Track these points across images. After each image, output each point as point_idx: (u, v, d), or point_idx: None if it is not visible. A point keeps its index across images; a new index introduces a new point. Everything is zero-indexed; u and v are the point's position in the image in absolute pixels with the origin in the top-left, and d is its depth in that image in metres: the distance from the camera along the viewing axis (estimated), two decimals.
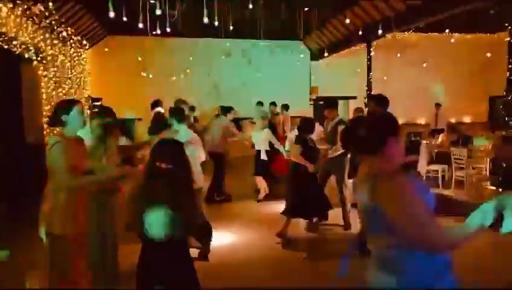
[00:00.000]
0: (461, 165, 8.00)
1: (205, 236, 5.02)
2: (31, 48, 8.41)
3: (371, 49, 11.35)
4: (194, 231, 3.49)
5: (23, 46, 8.05)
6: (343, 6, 11.04)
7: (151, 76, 14.20)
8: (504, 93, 6.90)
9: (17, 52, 7.76)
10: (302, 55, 15.12)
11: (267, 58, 14.79)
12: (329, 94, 15.31)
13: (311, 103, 15.67)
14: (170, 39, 13.87)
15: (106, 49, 13.84)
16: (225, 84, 14.76)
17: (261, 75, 14.74)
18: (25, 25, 8.41)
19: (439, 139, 10.40)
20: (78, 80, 12.77)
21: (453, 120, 14.11)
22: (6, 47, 7.39)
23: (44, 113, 9.27)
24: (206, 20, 9.48)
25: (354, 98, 13.51)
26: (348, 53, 13.24)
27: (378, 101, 4.84)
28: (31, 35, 8.70)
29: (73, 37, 11.83)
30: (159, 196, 2.50)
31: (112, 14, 7.95)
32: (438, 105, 12.54)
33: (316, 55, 15.19)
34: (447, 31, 12.43)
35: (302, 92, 15.43)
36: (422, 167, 8.98)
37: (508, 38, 6.80)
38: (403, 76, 14.58)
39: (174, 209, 2.47)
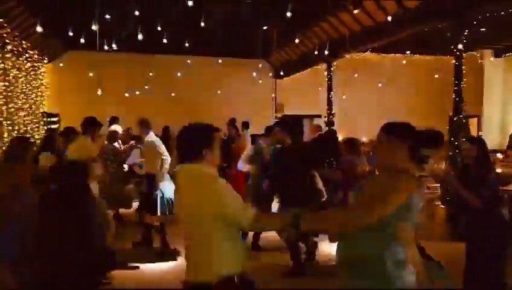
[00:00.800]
0: None
1: None
2: None
3: (331, 69, 11.51)
4: None
5: None
6: (302, 26, 11.21)
7: (111, 92, 13.95)
8: (451, 114, 7.08)
9: None
10: (263, 74, 15.23)
11: (229, 76, 14.79)
12: (295, 112, 15.49)
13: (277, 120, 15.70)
14: (129, 54, 13.71)
15: (61, 64, 13.54)
16: (187, 101, 14.65)
17: (221, 93, 14.75)
18: None
19: None
20: (33, 94, 12.37)
21: None
22: None
23: None
24: (164, 40, 9.56)
25: (319, 116, 13.60)
26: (311, 71, 13.41)
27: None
28: None
29: (29, 51, 11.50)
30: None
31: (70, 33, 7.78)
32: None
33: (279, 74, 15.35)
34: (408, 52, 12.78)
35: (265, 110, 15.50)
36: None
37: (454, 61, 7.01)
38: (363, 95, 15.00)
39: None
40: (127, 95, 13.75)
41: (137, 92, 13.95)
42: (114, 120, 10.18)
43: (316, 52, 10.67)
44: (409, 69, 14.62)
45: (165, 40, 10.28)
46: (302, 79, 14.27)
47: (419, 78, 15.23)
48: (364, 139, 15.40)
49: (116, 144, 8.54)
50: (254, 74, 14.73)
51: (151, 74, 13.81)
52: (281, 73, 14.71)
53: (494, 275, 3.44)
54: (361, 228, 2.02)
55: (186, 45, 10.65)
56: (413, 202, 2.05)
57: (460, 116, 6.92)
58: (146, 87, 13.99)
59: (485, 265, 3.46)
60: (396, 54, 13.04)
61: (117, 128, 9.68)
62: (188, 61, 13.98)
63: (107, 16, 8.67)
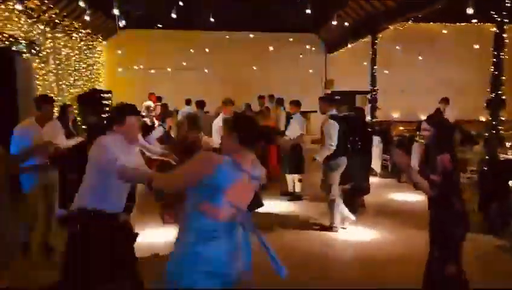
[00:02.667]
0: None
1: None
2: (22, 41, 8.67)
3: (376, 41, 10.74)
4: None
5: (11, 40, 8.31)
6: None
7: (169, 69, 14.39)
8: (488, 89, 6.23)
9: (3, 46, 8.02)
10: (314, 48, 14.71)
11: (278, 51, 14.46)
12: (343, 88, 14.87)
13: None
14: (182, 32, 13.94)
15: (113, 43, 14.13)
16: (235, 77, 14.63)
17: (271, 69, 14.54)
18: (15, 19, 8.69)
19: None
20: (88, 72, 13.11)
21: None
22: None
23: None
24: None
25: (367, 92, 12.88)
26: (358, 46, 12.68)
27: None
28: (23, 29, 8.98)
29: (81, 30, 12.14)
30: None
31: (116, 12, 7.97)
32: (444, 100, 10.80)
33: (330, 48, 14.75)
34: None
35: (314, 86, 15.03)
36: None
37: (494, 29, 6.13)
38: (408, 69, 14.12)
39: None
40: (175, 71, 14.11)
41: (187, 69, 14.22)
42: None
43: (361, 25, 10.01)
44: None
45: (212, 19, 10.30)
46: (353, 53, 13.54)
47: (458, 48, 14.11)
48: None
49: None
50: (306, 47, 14.28)
51: (206, 49, 13.94)
52: (336, 47, 14.09)
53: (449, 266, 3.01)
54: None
55: (235, 20, 10.40)
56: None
57: (499, 92, 6.09)
58: (196, 64, 14.17)
59: (440, 256, 3.06)
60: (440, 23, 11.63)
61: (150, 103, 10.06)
62: (238, 36, 13.89)
63: None
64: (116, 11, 7.59)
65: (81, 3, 8.01)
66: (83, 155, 3.01)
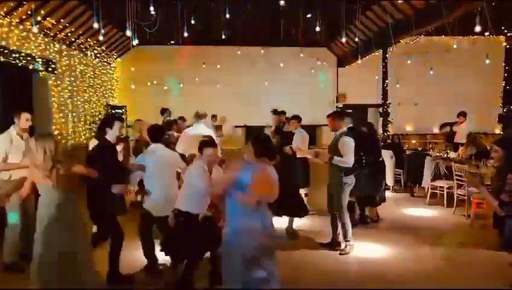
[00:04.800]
0: (462, 183, 7.22)
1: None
2: (38, 59, 8.91)
3: (387, 55, 10.76)
4: None
5: (28, 58, 8.55)
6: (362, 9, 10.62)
7: (181, 85, 14.60)
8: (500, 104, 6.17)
9: (20, 64, 8.25)
10: (324, 63, 14.77)
11: (289, 65, 14.55)
12: (354, 102, 14.87)
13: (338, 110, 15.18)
14: (195, 47, 14.16)
15: (127, 59, 14.37)
16: (246, 91, 14.76)
17: (282, 84, 14.65)
18: (33, 38, 8.94)
19: (459, 152, 9.51)
20: (102, 88, 13.36)
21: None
22: (13, 60, 7.93)
23: (54, 120, 9.77)
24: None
25: (379, 106, 12.84)
26: (369, 59, 12.70)
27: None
28: (40, 48, 9.22)
29: (96, 47, 12.41)
30: None
31: (128, 33, 8.15)
32: (461, 115, 10.67)
33: (341, 62, 14.79)
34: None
35: (325, 100, 15.09)
36: (425, 181, 8.27)
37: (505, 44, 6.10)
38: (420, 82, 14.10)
39: None
40: (187, 86, 14.31)
41: (198, 84, 14.41)
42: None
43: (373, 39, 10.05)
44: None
45: (223, 36, 10.48)
46: (364, 67, 13.55)
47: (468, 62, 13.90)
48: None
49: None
50: (317, 62, 14.36)
51: (218, 66, 14.12)
52: (347, 61, 14.15)
53: None
54: None
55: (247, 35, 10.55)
56: None
57: (511, 107, 6.04)
58: (209, 79, 14.36)
59: None
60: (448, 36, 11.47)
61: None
62: (249, 51, 14.04)
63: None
64: (128, 32, 7.75)
65: (96, 25, 8.22)
66: None
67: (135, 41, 8.26)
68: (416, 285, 4.32)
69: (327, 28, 11.84)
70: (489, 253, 5.22)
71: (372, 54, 11.99)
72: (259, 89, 14.76)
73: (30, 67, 8.61)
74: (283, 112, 7.52)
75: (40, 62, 8.98)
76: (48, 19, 9.13)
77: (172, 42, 12.78)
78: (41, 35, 9.28)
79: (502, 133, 6.13)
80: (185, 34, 9.00)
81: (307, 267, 4.85)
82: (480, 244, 5.49)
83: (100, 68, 13.24)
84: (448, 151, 9.68)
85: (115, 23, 11.42)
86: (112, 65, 14.32)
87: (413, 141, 11.68)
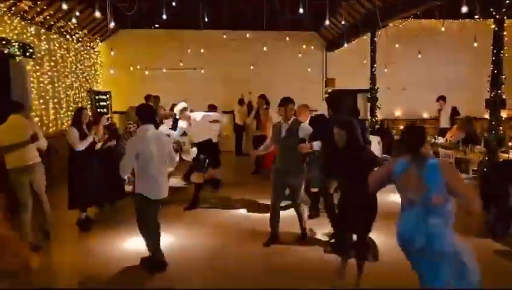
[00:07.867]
0: None
1: None
2: (14, 43, 8.58)
3: (375, 39, 10.56)
4: None
5: (3, 42, 8.22)
6: None
7: (164, 70, 14.28)
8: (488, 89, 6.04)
9: None
10: (312, 47, 14.55)
11: (276, 50, 14.30)
12: (344, 86, 14.72)
13: (327, 95, 15.01)
14: (180, 31, 13.82)
15: (110, 44, 14.01)
16: (235, 76, 14.50)
17: (269, 68, 14.43)
18: (8, 21, 8.59)
19: (446, 136, 9.46)
20: (85, 73, 13.00)
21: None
22: None
23: (34, 107, 9.47)
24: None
25: (367, 91, 12.69)
26: (358, 43, 12.49)
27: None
28: (16, 32, 8.88)
29: (78, 31, 12.03)
30: None
31: (97, 14, 7.86)
32: (441, 99, 10.39)
33: (330, 46, 14.57)
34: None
35: (315, 85, 14.92)
36: None
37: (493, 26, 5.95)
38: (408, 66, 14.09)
39: None
40: (173, 71, 14.01)
41: (184, 69, 14.12)
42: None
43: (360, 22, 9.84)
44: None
45: (206, 19, 10.17)
46: (353, 51, 13.36)
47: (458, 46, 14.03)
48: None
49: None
50: (304, 46, 14.14)
51: (202, 50, 13.79)
52: (336, 45, 13.93)
53: None
54: None
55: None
56: None
57: (499, 91, 5.92)
58: (193, 64, 14.07)
59: None
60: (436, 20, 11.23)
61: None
62: (235, 35, 13.74)
63: None
64: (97, 13, 7.50)
65: (64, 6, 7.92)
66: None
67: (111, 24, 8.00)
68: (398, 272, 4.24)
69: (314, 11, 11.56)
70: (475, 240, 5.16)
71: (361, 38, 11.78)
72: (245, 74, 14.51)
73: (6, 51, 8.28)
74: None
75: (17, 46, 8.65)
76: (23, 0, 8.78)
77: (156, 26, 12.44)
78: (18, 18, 8.93)
79: (489, 118, 6.00)
80: (164, 17, 8.71)
81: (291, 254, 4.73)
82: (464, 232, 5.42)
83: (83, 53, 12.87)
84: (436, 137, 9.62)
85: (96, 6, 11.02)
86: (95, 50, 13.95)
87: (402, 127, 11.58)
